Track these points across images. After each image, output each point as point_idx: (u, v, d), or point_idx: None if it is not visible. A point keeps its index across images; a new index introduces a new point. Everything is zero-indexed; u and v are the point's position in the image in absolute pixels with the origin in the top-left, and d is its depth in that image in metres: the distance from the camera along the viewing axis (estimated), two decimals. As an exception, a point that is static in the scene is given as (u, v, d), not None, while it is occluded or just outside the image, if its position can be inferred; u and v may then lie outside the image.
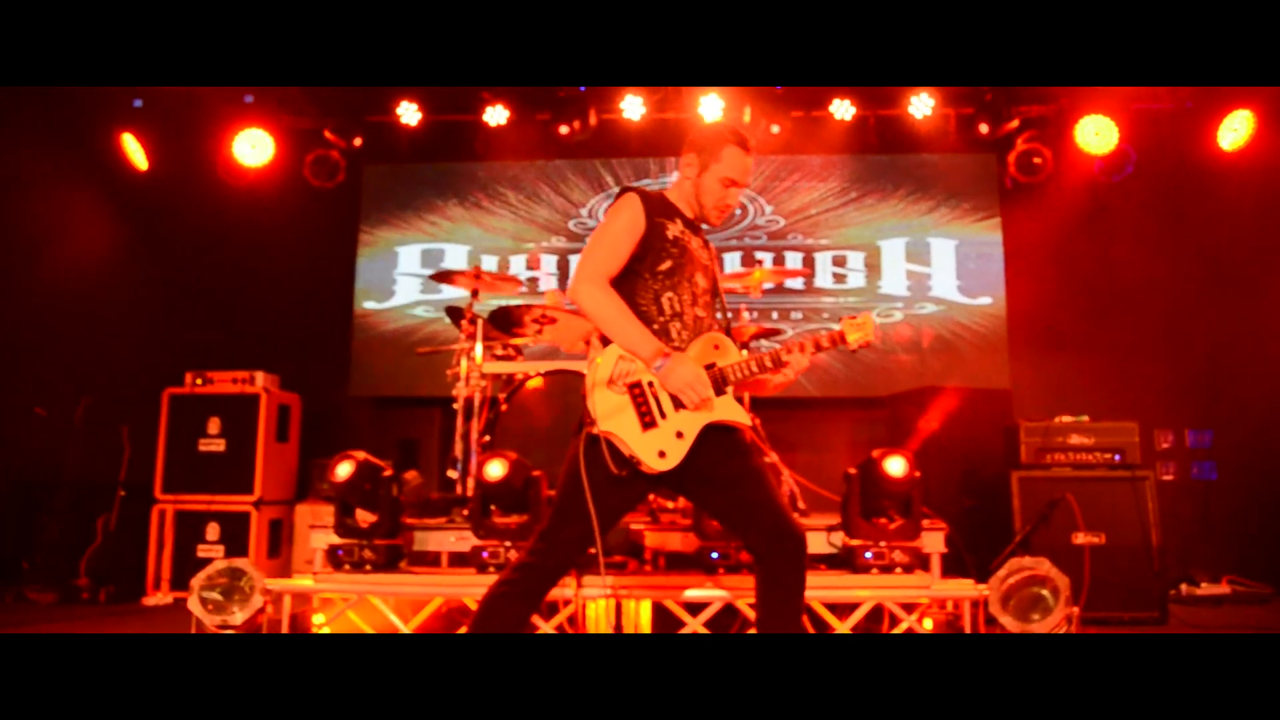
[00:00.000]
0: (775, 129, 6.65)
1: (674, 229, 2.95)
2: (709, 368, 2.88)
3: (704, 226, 3.11)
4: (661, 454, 2.77)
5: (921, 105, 6.63)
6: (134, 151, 7.12)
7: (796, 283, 7.05)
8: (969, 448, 5.79)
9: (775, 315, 7.01)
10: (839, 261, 7.06)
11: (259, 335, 6.96)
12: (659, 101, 6.88)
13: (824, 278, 7.04)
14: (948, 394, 5.99)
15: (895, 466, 4.14)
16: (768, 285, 5.90)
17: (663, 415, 2.80)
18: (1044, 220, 6.76)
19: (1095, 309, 6.74)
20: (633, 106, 6.73)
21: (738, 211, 7.12)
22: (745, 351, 2.95)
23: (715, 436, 2.86)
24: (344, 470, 4.35)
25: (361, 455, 4.42)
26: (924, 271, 6.99)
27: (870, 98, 6.83)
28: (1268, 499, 6.33)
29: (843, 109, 6.69)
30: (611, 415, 2.77)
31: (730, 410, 2.90)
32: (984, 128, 6.64)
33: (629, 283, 2.90)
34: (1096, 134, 6.55)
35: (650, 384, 2.80)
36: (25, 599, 5.67)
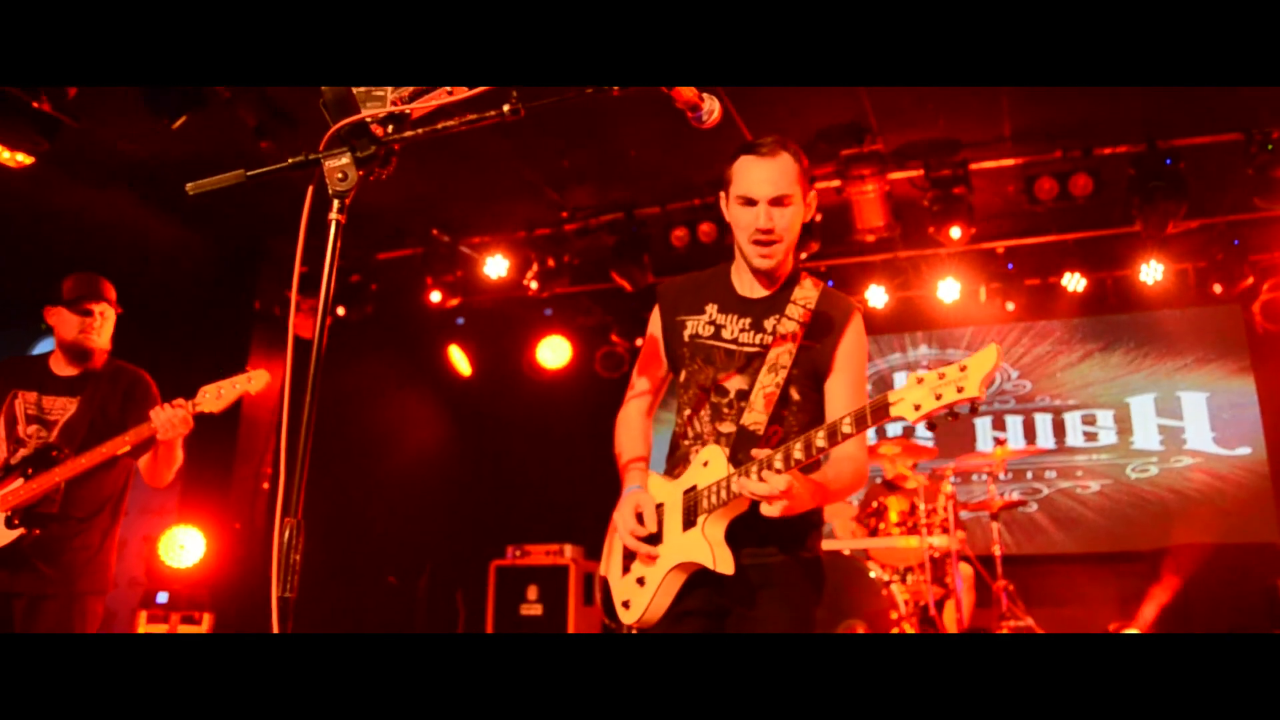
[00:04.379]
0: (1010, 306, 7.58)
1: (695, 324, 2.49)
2: (689, 492, 2.35)
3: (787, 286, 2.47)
4: (625, 604, 2.40)
5: (1152, 271, 7.15)
6: (459, 360, 9.14)
7: (1048, 441, 7.87)
8: (1232, 604, 6.36)
9: (1029, 474, 7.86)
10: (1088, 420, 7.84)
11: (565, 509, 8.62)
12: (899, 284, 8.02)
13: (1074, 436, 7.84)
14: (1209, 550, 6.59)
15: (1129, 636, 4.99)
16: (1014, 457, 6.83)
17: (631, 556, 2.42)
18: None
19: (1364, 453, 7.11)
20: (876, 295, 7.88)
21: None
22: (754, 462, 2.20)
23: (710, 585, 2.29)
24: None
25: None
26: (1176, 425, 7.64)
27: (1098, 264, 7.52)
28: None
29: (1073, 281, 7.43)
30: (607, 557, 2.53)
31: (693, 550, 2.26)
32: (1218, 288, 7.11)
33: (676, 403, 2.55)
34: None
35: None
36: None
